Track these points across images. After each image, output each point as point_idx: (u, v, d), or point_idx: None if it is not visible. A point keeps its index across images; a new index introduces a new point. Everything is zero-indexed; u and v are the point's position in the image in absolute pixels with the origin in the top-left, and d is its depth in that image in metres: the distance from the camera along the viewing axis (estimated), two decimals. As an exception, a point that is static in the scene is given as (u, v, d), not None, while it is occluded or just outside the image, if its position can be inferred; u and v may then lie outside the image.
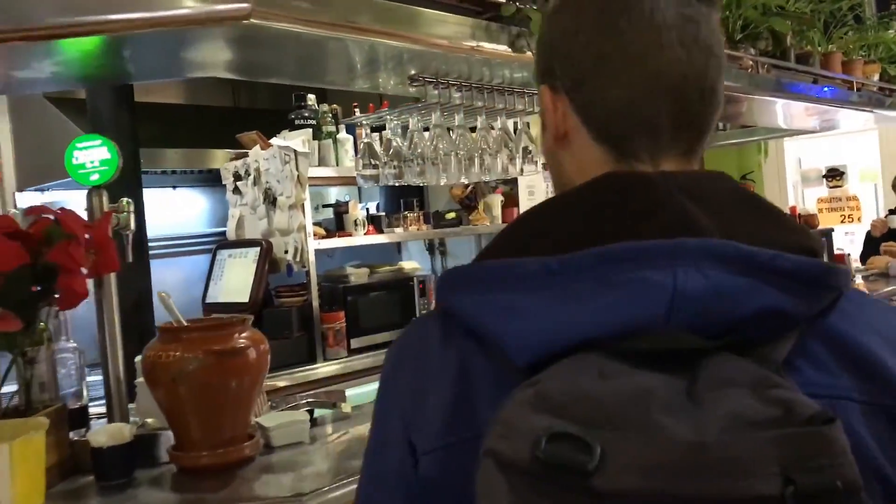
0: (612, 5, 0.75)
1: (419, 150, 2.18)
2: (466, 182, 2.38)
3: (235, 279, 3.69)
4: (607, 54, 0.74)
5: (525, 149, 2.38)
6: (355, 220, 3.80)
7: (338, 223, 3.88)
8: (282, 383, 3.39)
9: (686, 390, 0.59)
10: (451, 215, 4.27)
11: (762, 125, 4.41)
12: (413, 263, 4.12)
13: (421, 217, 4.12)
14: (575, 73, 0.76)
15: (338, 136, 3.77)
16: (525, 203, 4.58)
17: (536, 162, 2.42)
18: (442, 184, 2.44)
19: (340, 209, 3.86)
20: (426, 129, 2.27)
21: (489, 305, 0.66)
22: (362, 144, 2.46)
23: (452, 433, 0.68)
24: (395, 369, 0.76)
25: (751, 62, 2.82)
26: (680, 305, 0.61)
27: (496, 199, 4.46)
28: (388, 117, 2.34)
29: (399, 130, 2.28)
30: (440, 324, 0.72)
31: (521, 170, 2.40)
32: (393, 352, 0.78)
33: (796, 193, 6.60)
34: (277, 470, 1.59)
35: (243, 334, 1.58)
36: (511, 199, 4.57)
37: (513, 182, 4.65)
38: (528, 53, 1.96)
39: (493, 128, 2.31)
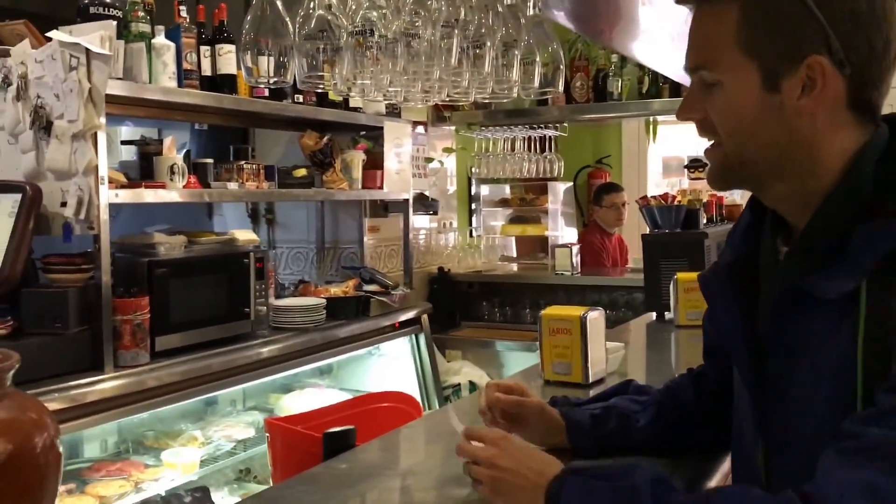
0: None
1: (392, 25, 1.14)
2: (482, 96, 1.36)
3: (-22, 240, 2.42)
4: (891, 42, 0.93)
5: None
6: (171, 167, 2.64)
7: (143, 169, 2.70)
8: (50, 405, 2.19)
9: None
10: (301, 173, 3.20)
11: (621, 49, 3.51)
12: (249, 233, 3.02)
13: (261, 171, 3.02)
14: (867, 52, 0.92)
15: (153, 42, 2.58)
16: (393, 164, 3.61)
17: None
18: (441, 97, 1.40)
19: (149, 149, 2.68)
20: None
21: None
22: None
23: None
24: None
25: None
26: None
27: (357, 158, 3.44)
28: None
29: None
30: None
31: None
32: None
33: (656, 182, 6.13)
34: None
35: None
36: (374, 159, 3.57)
37: (375, 137, 3.65)
38: None
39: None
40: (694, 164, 5.79)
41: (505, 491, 1.04)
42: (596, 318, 1.72)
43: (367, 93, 1.26)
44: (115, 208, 3.78)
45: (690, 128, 1.03)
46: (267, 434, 1.50)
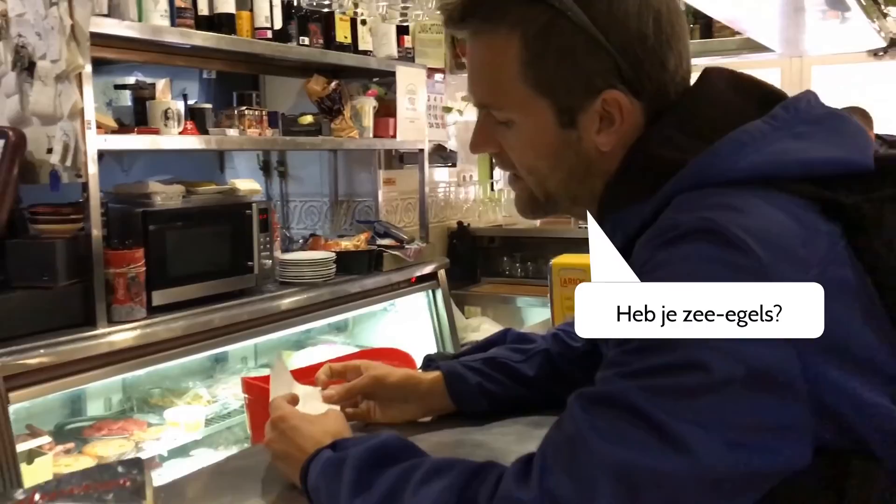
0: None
1: None
2: None
3: (-37, 190, 2.30)
4: (682, 56, 0.88)
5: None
6: (165, 111, 2.49)
7: (137, 115, 2.56)
8: (35, 360, 2.09)
9: None
10: (307, 120, 3.04)
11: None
12: (251, 183, 2.87)
13: (264, 118, 2.86)
14: (661, 74, 0.86)
15: (143, -23, 2.42)
16: (405, 112, 3.43)
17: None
18: None
19: (142, 92, 2.54)
20: None
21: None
22: None
23: None
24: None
25: None
26: None
27: (368, 104, 3.27)
28: None
29: None
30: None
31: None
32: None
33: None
34: None
35: None
36: (386, 107, 3.39)
37: (388, 84, 3.47)
38: None
39: None
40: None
41: (283, 469, 1.03)
42: (612, 264, 1.55)
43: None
44: (128, 162, 3.71)
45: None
46: (245, 395, 1.37)
